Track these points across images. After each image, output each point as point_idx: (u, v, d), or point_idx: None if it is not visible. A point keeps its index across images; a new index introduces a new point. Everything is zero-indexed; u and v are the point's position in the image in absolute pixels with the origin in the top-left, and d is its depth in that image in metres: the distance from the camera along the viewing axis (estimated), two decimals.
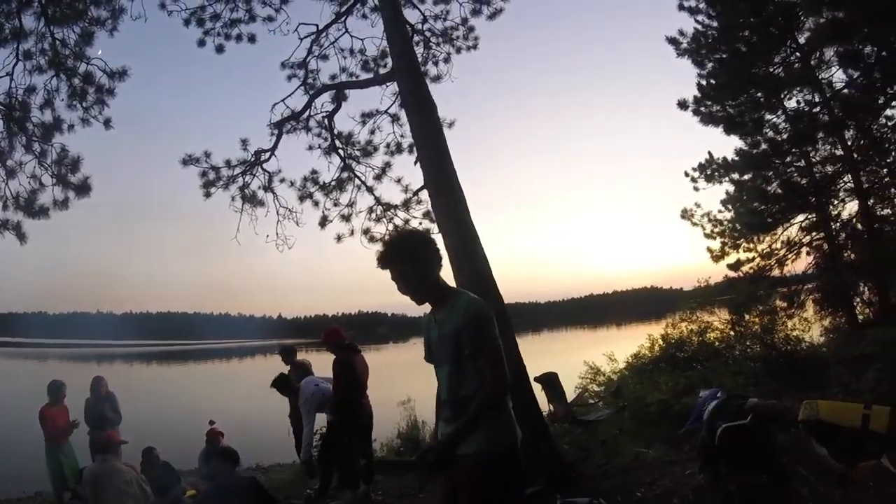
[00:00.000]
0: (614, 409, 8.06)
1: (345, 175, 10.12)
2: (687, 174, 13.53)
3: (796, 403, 4.56)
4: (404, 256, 2.80)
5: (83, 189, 8.28)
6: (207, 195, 9.54)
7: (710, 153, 13.20)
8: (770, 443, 4.19)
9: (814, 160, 12.19)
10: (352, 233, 10.03)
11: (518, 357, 6.03)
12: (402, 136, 10.13)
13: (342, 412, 6.60)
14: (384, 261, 2.84)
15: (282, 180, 10.08)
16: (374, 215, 10.12)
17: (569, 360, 14.41)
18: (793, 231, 12.66)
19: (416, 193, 9.72)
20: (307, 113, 9.83)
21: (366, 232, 9.98)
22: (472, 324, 2.64)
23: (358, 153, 10.23)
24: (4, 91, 7.95)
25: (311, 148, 10.15)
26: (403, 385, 11.31)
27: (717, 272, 13.68)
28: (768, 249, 12.81)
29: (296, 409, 7.56)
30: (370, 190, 10.18)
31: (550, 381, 7.60)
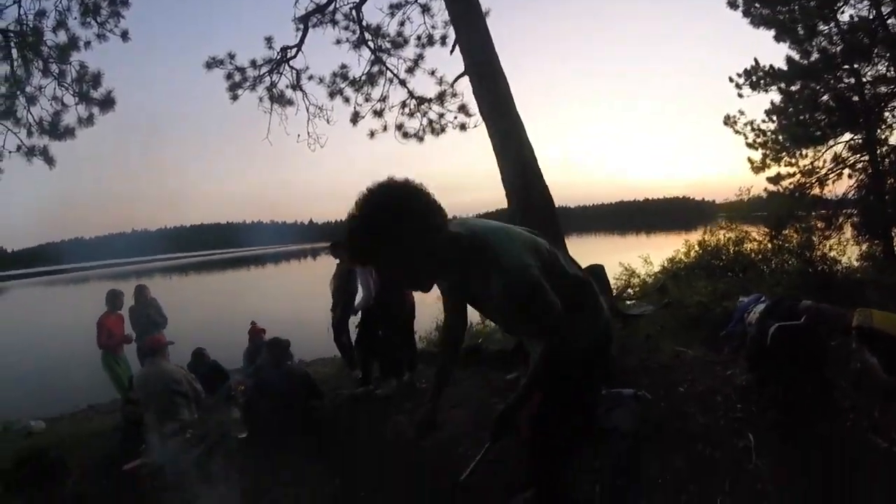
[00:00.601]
0: (658, 305, 8.07)
1: (375, 69, 9.90)
2: (731, 80, 12.85)
3: (849, 310, 4.40)
4: (378, 247, 2.05)
5: (107, 103, 8.28)
6: (234, 98, 9.50)
7: (756, 60, 12.47)
8: (822, 347, 4.11)
9: (865, 79, 11.50)
10: (384, 128, 9.93)
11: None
12: (432, 27, 9.81)
13: (385, 301, 6.62)
14: (361, 260, 2.20)
15: (310, 77, 9.95)
16: (407, 110, 9.96)
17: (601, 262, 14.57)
18: (838, 149, 12.16)
19: (452, 84, 9.48)
20: (333, 5, 9.52)
21: (399, 127, 9.87)
22: (514, 300, 2.16)
23: (388, 45, 9.93)
24: (14, 19, 7.83)
25: (338, 42, 9.88)
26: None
27: (756, 184, 13.17)
28: (810, 166, 12.30)
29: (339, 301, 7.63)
30: (403, 83, 9.96)
31: (597, 273, 7.52)
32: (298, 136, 9.73)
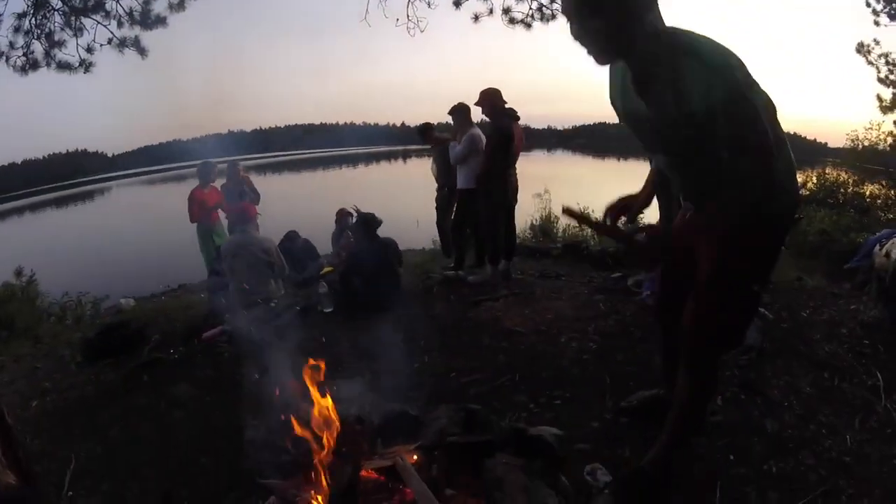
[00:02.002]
0: None
1: None
2: (868, 4, 11.11)
3: None
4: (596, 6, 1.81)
5: None
6: None
7: None
8: None
9: None
10: (490, 12, 8.78)
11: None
12: None
13: (490, 183, 6.05)
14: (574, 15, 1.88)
15: None
16: None
17: None
18: None
19: None
20: None
21: (506, 11, 8.72)
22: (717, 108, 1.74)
23: None
24: None
25: None
26: (538, 178, 10.72)
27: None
28: None
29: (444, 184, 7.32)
30: None
31: None
32: (398, 20, 8.78)
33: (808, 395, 3.17)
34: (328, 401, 2.36)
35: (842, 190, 10.29)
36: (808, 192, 10.58)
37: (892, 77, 11.45)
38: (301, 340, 4.43)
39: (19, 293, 8.30)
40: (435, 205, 7.71)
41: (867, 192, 10.04)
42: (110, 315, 7.75)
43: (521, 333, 4.52)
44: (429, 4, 8.94)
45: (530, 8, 8.64)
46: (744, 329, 2.28)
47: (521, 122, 6.68)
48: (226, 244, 5.83)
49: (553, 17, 8.60)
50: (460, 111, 6.45)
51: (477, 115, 6.42)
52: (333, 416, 2.34)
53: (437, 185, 7.60)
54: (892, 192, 9.89)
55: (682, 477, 2.42)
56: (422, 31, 8.95)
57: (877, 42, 11.48)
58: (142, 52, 7.76)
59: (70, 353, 5.43)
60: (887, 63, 11.48)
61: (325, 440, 2.27)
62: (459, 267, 6.64)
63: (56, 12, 7.47)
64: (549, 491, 2.07)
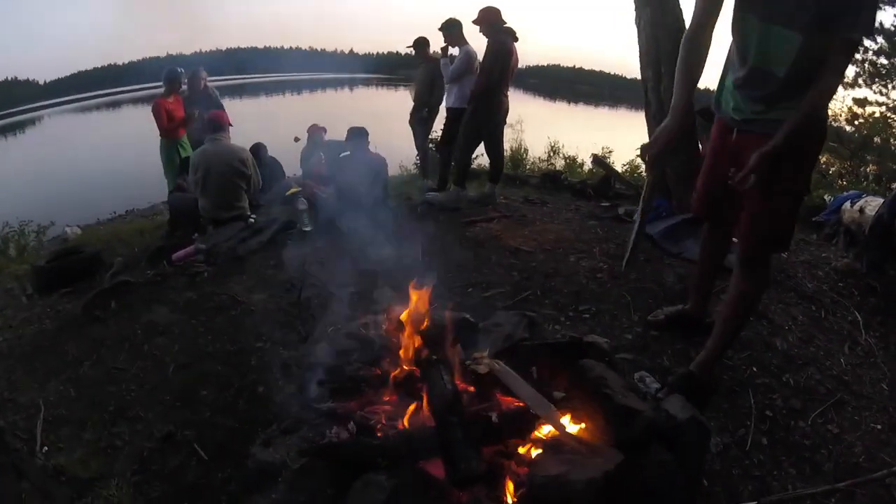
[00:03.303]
0: None
1: None
2: None
3: None
4: None
5: None
6: None
7: None
8: None
9: None
10: None
11: None
12: None
13: (483, 100, 5.68)
14: None
15: None
16: None
17: None
18: None
19: None
20: None
21: None
22: None
23: None
24: None
25: None
26: (530, 111, 10.29)
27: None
28: None
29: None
30: None
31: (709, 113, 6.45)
32: None
33: (802, 323, 3.39)
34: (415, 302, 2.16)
35: None
36: None
37: (856, 56, 11.20)
38: (293, 258, 4.17)
39: None
40: (411, 127, 7.52)
41: (823, 160, 10.23)
42: (56, 245, 7.14)
43: (528, 252, 4.41)
44: None
45: None
46: (793, 230, 2.38)
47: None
48: (196, 154, 5.11)
49: None
50: (454, 25, 6.11)
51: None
52: (414, 320, 2.12)
53: (414, 105, 7.38)
54: (848, 162, 10.30)
55: (718, 383, 2.66)
56: None
57: None
58: None
59: (18, 285, 4.82)
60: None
61: (407, 347, 2.08)
62: (443, 188, 6.36)
63: None
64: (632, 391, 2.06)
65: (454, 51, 6.21)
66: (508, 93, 5.90)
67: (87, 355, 3.19)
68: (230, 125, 5.37)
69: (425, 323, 2.13)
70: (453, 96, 6.19)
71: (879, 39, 10.59)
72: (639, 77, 5.32)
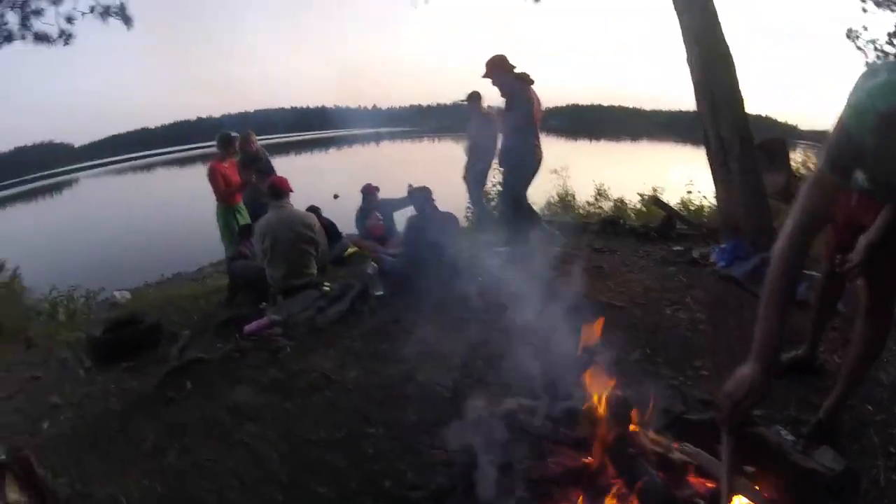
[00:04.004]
0: None
1: None
2: None
3: None
4: None
5: None
6: None
7: None
8: None
9: None
10: None
11: None
12: None
13: (516, 155, 5.60)
14: None
15: None
16: None
17: None
18: None
19: None
20: None
21: None
22: None
23: None
24: None
25: None
26: (555, 153, 10.17)
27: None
28: None
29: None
30: None
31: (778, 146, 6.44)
32: None
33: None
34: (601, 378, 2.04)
35: None
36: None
37: (879, 63, 11.62)
38: (378, 327, 4.03)
39: (2, 289, 7.34)
40: (465, 182, 7.36)
41: None
42: (105, 310, 7.00)
43: (621, 307, 4.20)
44: None
45: None
46: None
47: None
48: (262, 223, 4.91)
49: None
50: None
51: None
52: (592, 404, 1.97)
53: (468, 159, 7.21)
54: None
55: (843, 425, 2.59)
56: (426, 2, 9.14)
57: (865, 28, 11.76)
58: (127, 21, 7.17)
59: (73, 356, 4.59)
60: (876, 49, 11.65)
61: (590, 436, 1.92)
62: (511, 243, 5.96)
63: None
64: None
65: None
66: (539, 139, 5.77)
67: (168, 443, 2.88)
68: (291, 191, 5.17)
69: (602, 407, 1.93)
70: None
71: None
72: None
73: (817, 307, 2.94)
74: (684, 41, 5.36)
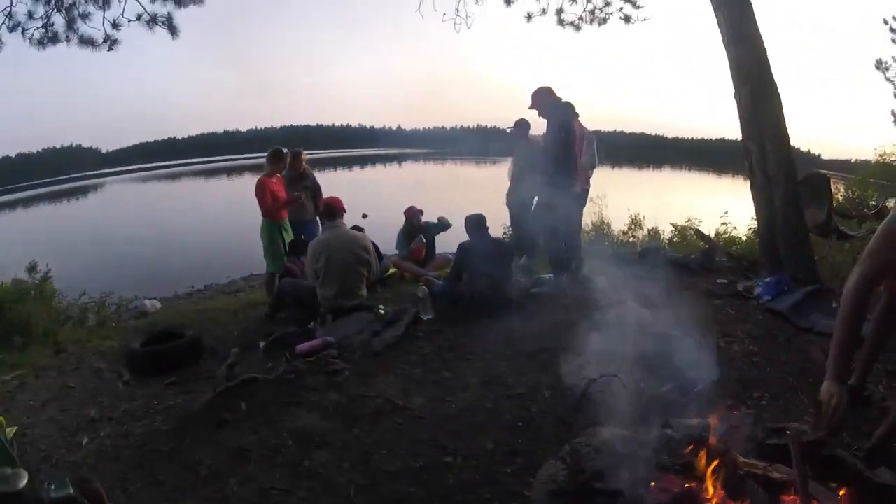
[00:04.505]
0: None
1: None
2: (886, 22, 11.80)
3: None
4: None
5: None
6: None
7: None
8: None
9: None
10: (543, 12, 8.40)
11: None
12: None
13: (558, 184, 5.44)
14: None
15: None
16: None
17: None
18: None
19: None
20: None
21: (559, 12, 8.35)
22: None
23: None
24: None
25: None
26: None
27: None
28: None
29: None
30: None
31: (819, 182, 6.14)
32: (444, 14, 8.61)
33: None
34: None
35: (870, 202, 9.83)
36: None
37: None
38: (435, 352, 3.98)
39: (32, 291, 7.20)
40: (508, 207, 7.21)
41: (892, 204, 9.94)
42: (134, 317, 6.87)
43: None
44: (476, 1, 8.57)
45: (584, 10, 8.28)
46: None
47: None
48: (317, 242, 4.84)
49: (605, 20, 8.32)
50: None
51: None
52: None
53: (511, 185, 7.10)
54: None
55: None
56: (468, 28, 8.70)
57: (894, 59, 11.99)
58: (173, 30, 6.94)
59: (107, 366, 4.52)
60: None
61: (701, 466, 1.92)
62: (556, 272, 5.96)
63: None
64: None
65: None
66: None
67: (228, 468, 2.71)
68: (345, 211, 5.05)
69: (710, 433, 2.01)
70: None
71: None
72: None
73: (874, 338, 2.98)
74: (732, 77, 5.35)
